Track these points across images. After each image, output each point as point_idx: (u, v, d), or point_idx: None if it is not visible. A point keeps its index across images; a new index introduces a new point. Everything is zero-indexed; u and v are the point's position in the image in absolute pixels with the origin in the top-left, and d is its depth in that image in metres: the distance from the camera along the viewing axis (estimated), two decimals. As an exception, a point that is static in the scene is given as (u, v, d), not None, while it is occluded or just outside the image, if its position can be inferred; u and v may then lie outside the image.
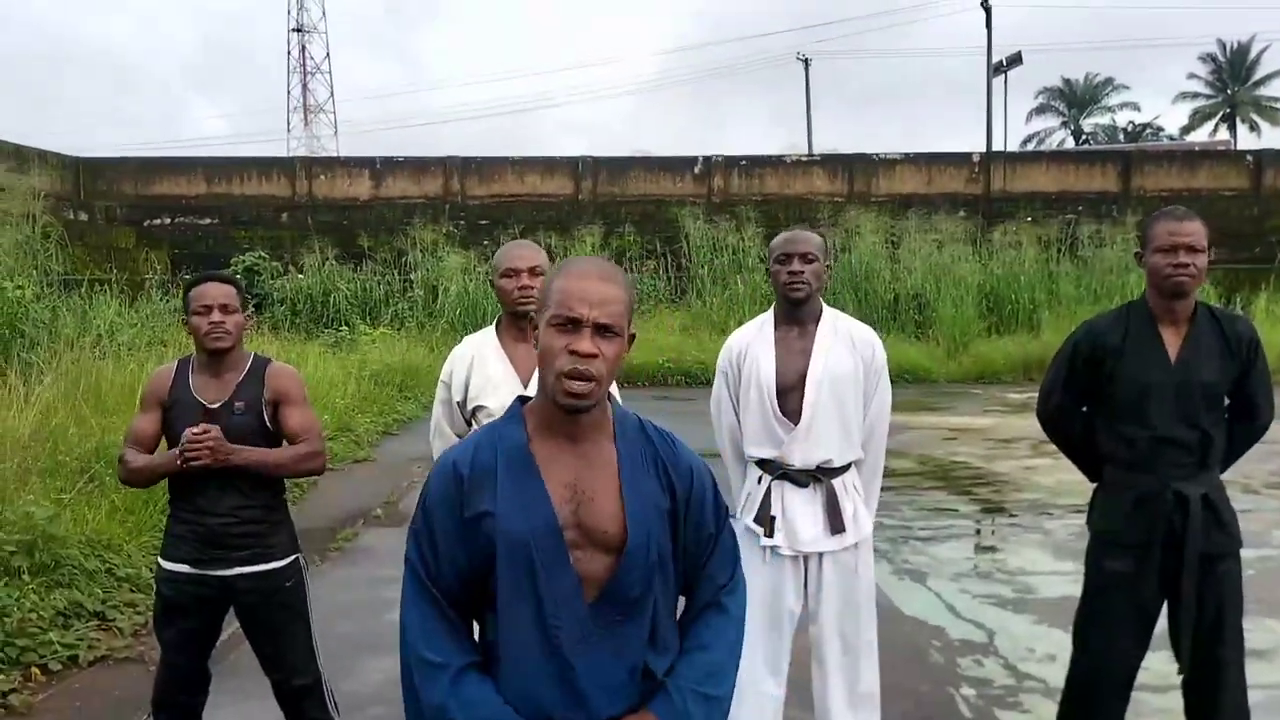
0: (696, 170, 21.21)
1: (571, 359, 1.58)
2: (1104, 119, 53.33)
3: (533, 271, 3.01)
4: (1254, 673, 3.48)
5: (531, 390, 3.03)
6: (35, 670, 4.16)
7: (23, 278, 9.93)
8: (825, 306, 3.15)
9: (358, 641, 4.56)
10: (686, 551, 1.72)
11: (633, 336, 1.69)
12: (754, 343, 3.15)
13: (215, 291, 2.94)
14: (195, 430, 2.82)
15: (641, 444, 1.71)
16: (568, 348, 1.58)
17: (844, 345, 3.08)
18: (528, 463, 1.63)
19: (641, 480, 1.66)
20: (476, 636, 1.70)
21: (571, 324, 1.59)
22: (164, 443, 3.03)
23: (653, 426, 1.76)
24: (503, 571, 1.59)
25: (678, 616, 1.76)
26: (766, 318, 3.20)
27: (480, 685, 1.59)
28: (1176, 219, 2.86)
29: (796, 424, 3.01)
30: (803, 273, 3.02)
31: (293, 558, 3.05)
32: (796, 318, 3.10)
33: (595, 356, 1.58)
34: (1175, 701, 3.03)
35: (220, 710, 3.53)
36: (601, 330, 1.59)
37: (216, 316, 2.91)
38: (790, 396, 3.03)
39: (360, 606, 5.10)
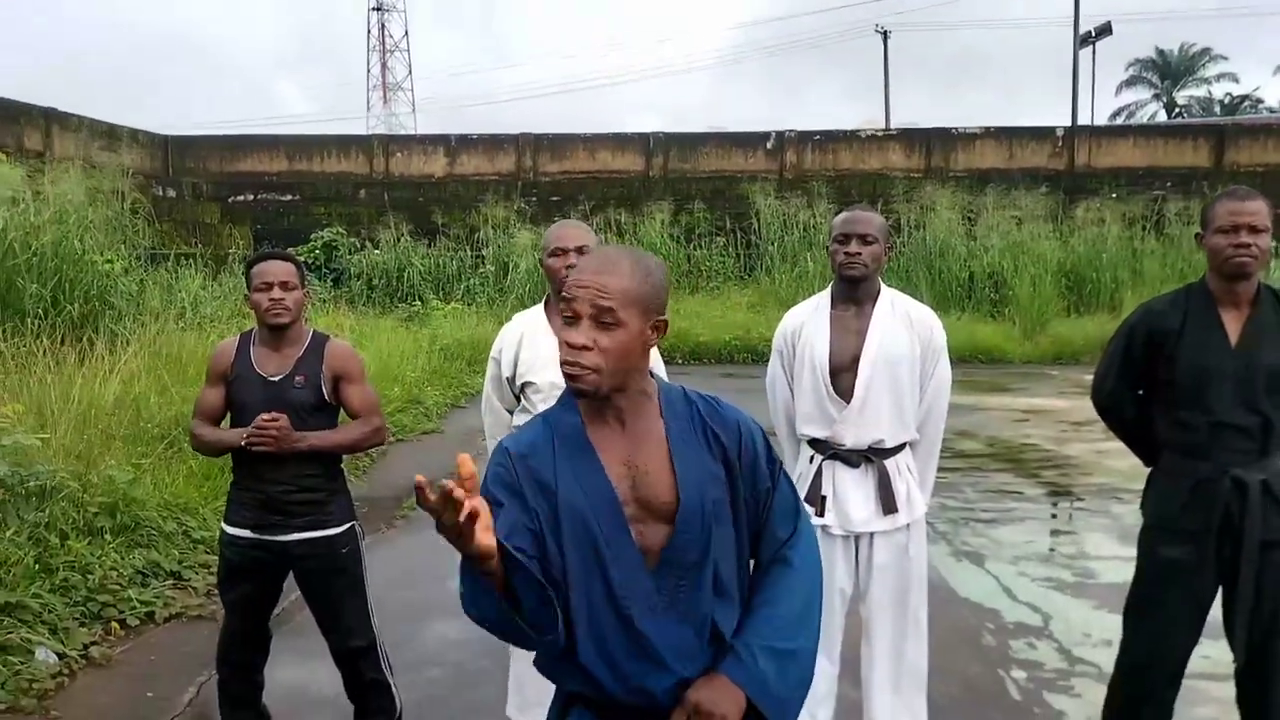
0: (769, 146, 20.99)
1: (566, 350, 1.64)
2: (1199, 91, 51.05)
3: (580, 250, 3.05)
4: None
5: None
6: (115, 625, 4.39)
7: (112, 252, 10.32)
8: (884, 286, 3.13)
9: (418, 606, 4.71)
10: (746, 509, 1.74)
11: (665, 324, 1.71)
12: (809, 321, 3.14)
13: (275, 269, 3.04)
14: (266, 416, 2.94)
15: (686, 413, 1.75)
16: (565, 339, 1.65)
17: (901, 325, 3.05)
18: (583, 443, 1.69)
19: (689, 447, 1.71)
20: None
21: (569, 317, 1.65)
22: (229, 414, 3.16)
23: (695, 393, 1.80)
24: (569, 549, 1.65)
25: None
26: (823, 296, 3.18)
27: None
28: (1238, 198, 2.77)
29: (849, 403, 3.00)
30: (860, 254, 2.99)
31: (349, 525, 3.16)
32: (853, 297, 3.08)
33: (588, 349, 1.62)
34: (1233, 690, 2.96)
35: (284, 669, 3.70)
36: (596, 321, 1.63)
37: (277, 293, 3.01)
38: (844, 376, 3.02)
39: (422, 573, 5.24)
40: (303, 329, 3.15)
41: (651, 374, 1.78)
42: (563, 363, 1.64)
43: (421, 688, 3.84)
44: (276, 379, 3.05)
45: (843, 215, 3.09)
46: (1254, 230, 2.73)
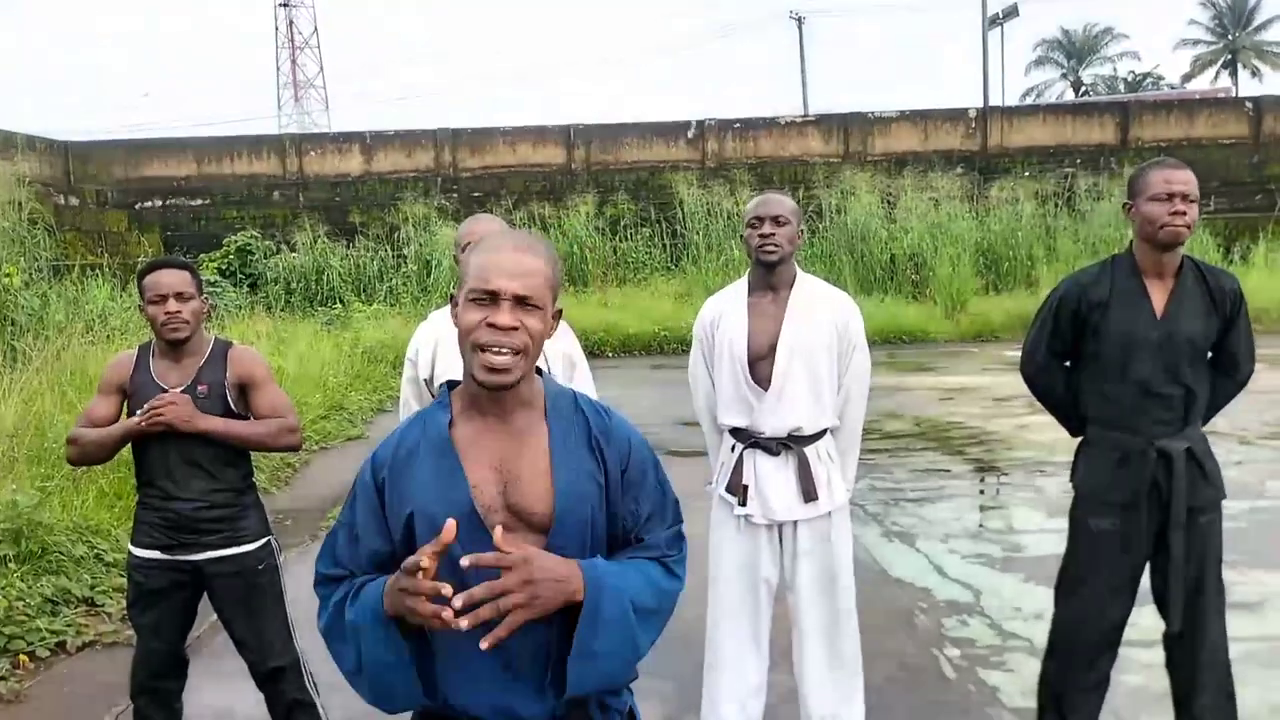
0: (690, 135, 21.00)
1: (490, 332, 1.52)
2: (1104, 69, 52.79)
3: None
4: (1240, 625, 3.47)
5: None
6: (23, 657, 4.16)
7: (10, 265, 9.86)
8: (800, 272, 3.12)
9: (346, 619, 4.56)
10: (624, 528, 1.64)
11: (559, 313, 1.63)
12: (727, 309, 3.14)
13: (169, 279, 2.87)
14: (163, 397, 2.80)
15: (574, 419, 1.64)
16: (485, 321, 1.52)
17: (818, 311, 3.05)
18: (446, 447, 1.58)
19: (573, 457, 1.60)
20: None
21: (489, 297, 1.53)
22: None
23: (587, 400, 1.69)
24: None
25: None
26: (741, 284, 3.18)
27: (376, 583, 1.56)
28: (1171, 167, 2.80)
29: (767, 390, 2.98)
30: (774, 235, 2.99)
31: (264, 540, 3.04)
32: (770, 283, 3.07)
33: (516, 329, 1.52)
34: (1161, 655, 3.01)
35: (203, 693, 3.54)
36: (521, 302, 1.54)
37: (173, 305, 2.85)
38: (762, 364, 3.02)
39: (350, 584, 5.09)
40: (203, 338, 3.01)
41: (541, 373, 1.68)
42: (484, 346, 1.52)
43: (354, 705, 3.71)
44: (178, 390, 2.90)
45: (755, 200, 3.11)
46: (1186, 199, 2.76)
